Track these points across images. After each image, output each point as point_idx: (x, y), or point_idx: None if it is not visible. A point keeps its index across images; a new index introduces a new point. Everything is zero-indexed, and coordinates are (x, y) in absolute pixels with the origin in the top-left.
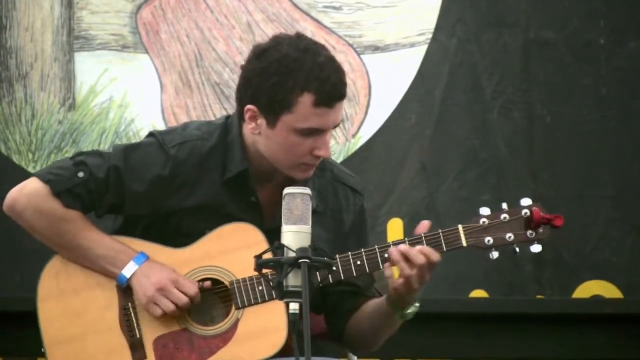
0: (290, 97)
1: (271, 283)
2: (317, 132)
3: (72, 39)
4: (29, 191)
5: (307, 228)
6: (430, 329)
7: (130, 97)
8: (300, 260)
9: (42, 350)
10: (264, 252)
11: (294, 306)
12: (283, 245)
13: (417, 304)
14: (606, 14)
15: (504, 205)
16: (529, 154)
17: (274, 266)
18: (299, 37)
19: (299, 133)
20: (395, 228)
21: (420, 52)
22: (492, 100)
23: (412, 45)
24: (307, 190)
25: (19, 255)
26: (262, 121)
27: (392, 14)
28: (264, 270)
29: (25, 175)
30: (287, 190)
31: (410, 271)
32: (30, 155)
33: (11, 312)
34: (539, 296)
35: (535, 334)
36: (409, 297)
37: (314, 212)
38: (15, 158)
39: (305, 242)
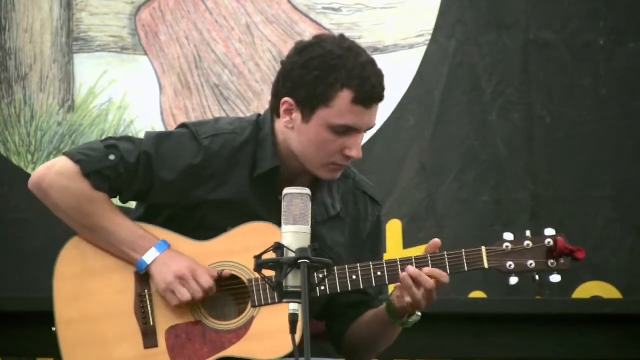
0: (329, 92)
1: (271, 283)
2: (351, 131)
3: (72, 40)
4: (58, 169)
5: (306, 228)
6: (430, 329)
7: (129, 98)
8: (299, 261)
9: (53, 329)
10: (264, 252)
11: (293, 307)
12: (283, 246)
13: (419, 314)
14: (606, 15)
15: (528, 233)
16: (529, 155)
17: (274, 266)
18: (343, 37)
19: (332, 130)
20: (394, 229)
21: (419, 54)
22: (492, 101)
23: (412, 46)
24: (307, 191)
25: (19, 255)
26: (297, 115)
27: (391, 16)
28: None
29: (25, 176)
30: (287, 190)
31: (419, 293)
32: (30, 157)
33: (11, 312)
34: (538, 297)
35: (535, 334)
36: (411, 310)
37: (337, 217)
38: (14, 159)
39: (305, 242)
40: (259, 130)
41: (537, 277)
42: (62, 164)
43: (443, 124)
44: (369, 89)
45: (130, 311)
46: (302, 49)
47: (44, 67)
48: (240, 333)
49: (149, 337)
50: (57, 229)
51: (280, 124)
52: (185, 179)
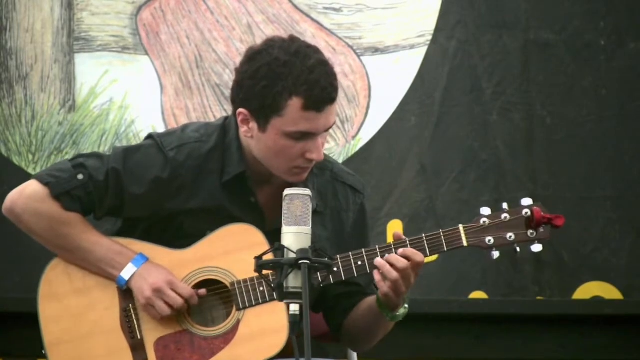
0: (279, 101)
1: (271, 284)
2: (308, 136)
3: (72, 40)
4: (28, 194)
5: (307, 229)
6: (430, 329)
7: (130, 98)
8: (300, 262)
9: (43, 351)
10: (265, 253)
11: (294, 307)
12: (283, 247)
13: (407, 306)
14: (606, 15)
15: (505, 205)
16: (529, 155)
17: (274, 267)
18: (292, 39)
19: (289, 137)
20: (395, 230)
21: (420, 54)
22: (492, 102)
23: (412, 47)
24: (307, 192)
25: (19, 256)
26: (253, 125)
27: (392, 16)
28: (264, 272)
29: (25, 176)
30: (287, 191)
31: (395, 275)
32: (30, 157)
33: (11, 313)
34: (539, 298)
35: (536, 335)
36: (397, 300)
37: (315, 212)
38: (15, 159)
39: (306, 243)
40: (225, 135)
41: (518, 250)
42: (32, 188)
43: (443, 125)
44: (318, 93)
45: (117, 327)
46: (251, 57)
47: (45, 67)
48: (228, 338)
49: (138, 351)
50: None
51: (241, 132)
52: (154, 192)
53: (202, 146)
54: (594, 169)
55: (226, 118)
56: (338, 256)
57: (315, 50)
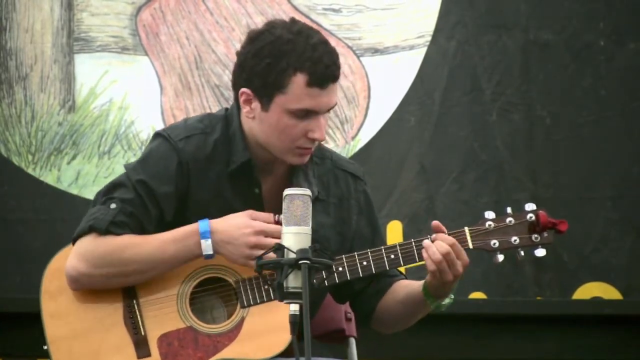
0: (283, 78)
1: (271, 284)
2: (311, 114)
3: (72, 40)
4: (81, 250)
5: (307, 229)
6: (430, 330)
7: (130, 99)
8: (300, 262)
9: (45, 347)
10: (265, 252)
11: (294, 307)
12: (283, 247)
13: (452, 296)
14: (606, 16)
15: (509, 210)
16: (529, 156)
17: (275, 267)
18: (293, 21)
19: (292, 114)
20: (394, 230)
21: (419, 55)
22: (492, 102)
23: (412, 47)
24: (307, 192)
25: (19, 256)
26: (256, 104)
27: (392, 17)
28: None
29: (25, 176)
30: (287, 191)
31: (439, 256)
32: (30, 157)
33: (12, 313)
34: (538, 298)
35: (535, 335)
36: (443, 289)
37: (317, 199)
38: (14, 159)
39: (306, 243)
40: (229, 125)
41: (522, 253)
42: (79, 244)
43: (443, 125)
44: (322, 69)
45: (120, 322)
46: (253, 38)
47: (45, 67)
48: (232, 335)
49: (141, 347)
50: (57, 228)
51: (242, 115)
52: (180, 184)
53: (207, 137)
54: (594, 169)
55: (226, 109)
56: (343, 256)
57: (316, 31)
